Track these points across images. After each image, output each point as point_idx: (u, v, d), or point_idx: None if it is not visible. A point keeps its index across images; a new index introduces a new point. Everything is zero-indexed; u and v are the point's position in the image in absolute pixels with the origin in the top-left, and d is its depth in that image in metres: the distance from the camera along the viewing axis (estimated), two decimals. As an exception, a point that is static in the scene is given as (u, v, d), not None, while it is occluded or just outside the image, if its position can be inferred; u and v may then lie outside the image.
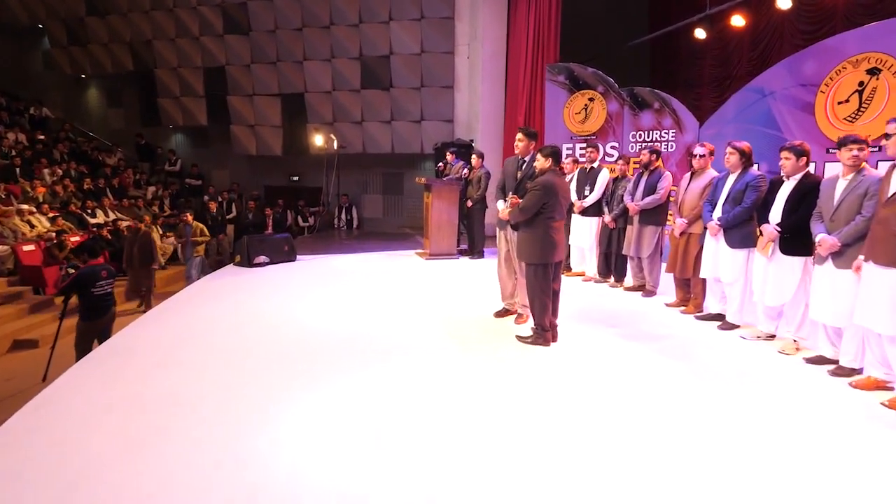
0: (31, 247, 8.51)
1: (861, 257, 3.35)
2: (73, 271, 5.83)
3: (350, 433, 2.81)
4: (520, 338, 4.25)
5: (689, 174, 5.17)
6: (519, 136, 4.58)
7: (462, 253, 8.05)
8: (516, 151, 4.61)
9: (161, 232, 10.57)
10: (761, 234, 4.17)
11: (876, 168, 3.88)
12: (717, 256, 4.55)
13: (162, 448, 2.66)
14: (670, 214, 5.52)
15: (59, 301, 6.28)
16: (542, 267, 4.13)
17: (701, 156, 5.00)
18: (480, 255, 7.90)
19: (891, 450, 2.71)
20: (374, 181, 13.43)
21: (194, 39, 13.10)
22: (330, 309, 5.18)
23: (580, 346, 4.17)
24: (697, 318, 4.88)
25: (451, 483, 2.40)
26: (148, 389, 3.33)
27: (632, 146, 7.72)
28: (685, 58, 10.53)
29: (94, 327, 5.48)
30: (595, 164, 6.32)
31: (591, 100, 8.14)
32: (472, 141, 10.64)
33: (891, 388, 3.31)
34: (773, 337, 4.28)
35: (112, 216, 10.93)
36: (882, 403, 3.16)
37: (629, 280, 6.00)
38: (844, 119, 5.48)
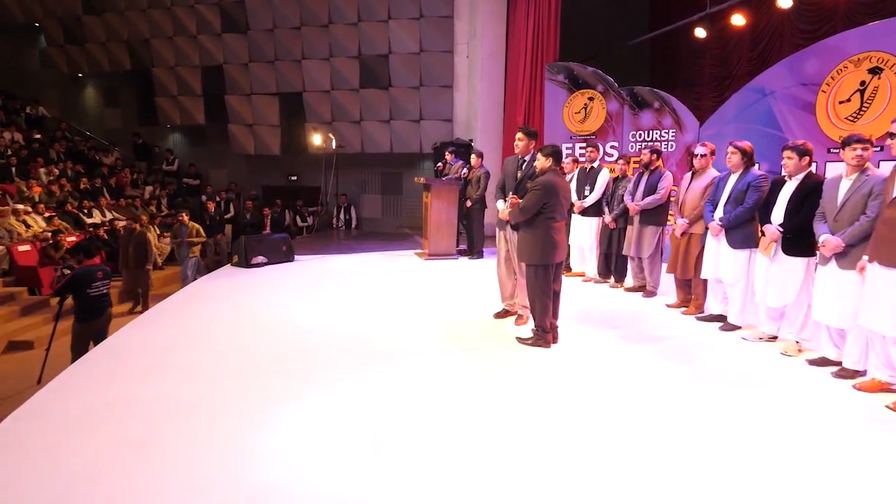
0: (27, 247, 8.44)
1: (865, 258, 3.32)
2: (68, 272, 5.79)
3: (348, 436, 2.78)
4: (520, 339, 4.22)
5: (689, 174, 5.13)
6: (519, 135, 4.54)
7: (461, 253, 8.02)
8: (516, 151, 4.58)
9: (158, 232, 10.51)
10: (763, 234, 4.13)
11: (878, 168, 3.85)
12: (719, 257, 4.52)
13: (158, 451, 2.63)
14: (671, 214, 5.49)
15: (55, 302, 6.23)
16: (542, 268, 4.10)
17: (702, 155, 4.96)
18: (480, 255, 7.86)
19: (895, 452, 2.69)
20: (372, 181, 13.39)
21: (192, 38, 13.05)
22: (328, 310, 5.14)
23: (581, 348, 4.14)
24: (698, 319, 4.85)
25: (450, 487, 2.37)
26: (144, 391, 3.30)
27: (632, 146, 7.69)
28: (685, 57, 10.50)
29: (90, 329, 5.44)
30: (595, 164, 6.28)
31: (590, 99, 8.10)
32: (471, 140, 10.60)
33: (895, 391, 3.27)
34: (775, 338, 4.25)
35: (109, 216, 10.87)
36: (886, 406, 3.13)
37: (629, 281, 5.97)
38: (846, 119, 5.45)
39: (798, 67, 5.95)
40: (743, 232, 4.37)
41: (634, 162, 6.74)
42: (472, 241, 7.97)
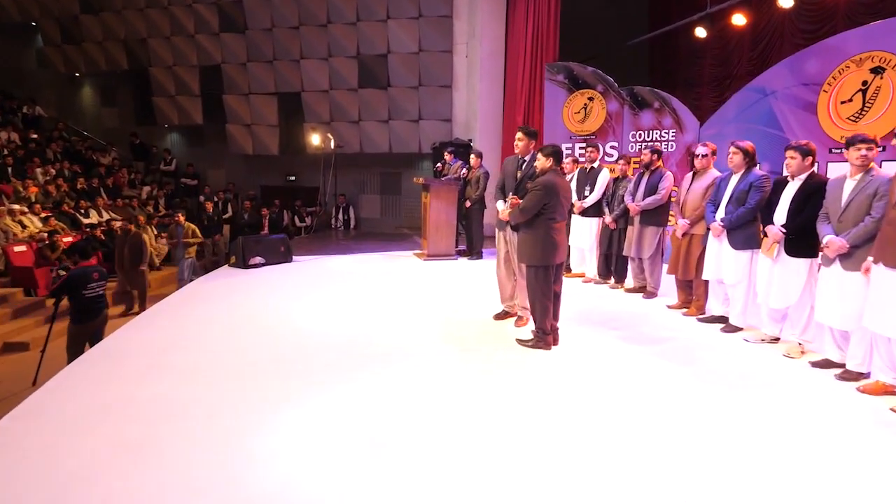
0: (23, 248, 8.38)
1: (870, 259, 3.28)
2: (64, 273, 5.74)
3: (347, 438, 2.74)
4: (520, 341, 4.18)
5: (691, 174, 5.10)
6: (519, 135, 4.50)
7: (460, 254, 7.98)
8: (516, 151, 4.54)
9: (156, 232, 10.45)
10: (765, 235, 4.10)
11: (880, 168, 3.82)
12: (721, 258, 4.48)
13: (155, 452, 2.61)
14: (672, 215, 5.46)
15: (51, 303, 6.18)
16: (542, 269, 4.06)
17: (703, 155, 4.93)
18: (479, 255, 7.83)
19: (902, 457, 2.65)
20: (371, 181, 13.35)
21: (190, 37, 12.99)
22: (326, 311, 5.10)
23: (581, 350, 4.10)
24: (700, 320, 4.82)
25: (450, 490, 2.33)
26: (141, 393, 3.27)
27: (632, 146, 7.66)
28: (685, 57, 10.48)
29: (86, 330, 5.39)
30: (595, 164, 6.25)
31: (590, 99, 8.07)
32: (470, 140, 10.56)
33: (900, 393, 3.25)
34: (777, 340, 4.22)
35: (106, 216, 10.81)
36: (891, 409, 3.10)
37: (630, 281, 5.94)
38: (848, 119, 5.43)
39: (799, 67, 5.92)
40: (745, 233, 4.34)
41: (635, 162, 6.71)
42: (471, 241, 7.93)
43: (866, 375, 3.46)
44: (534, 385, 3.46)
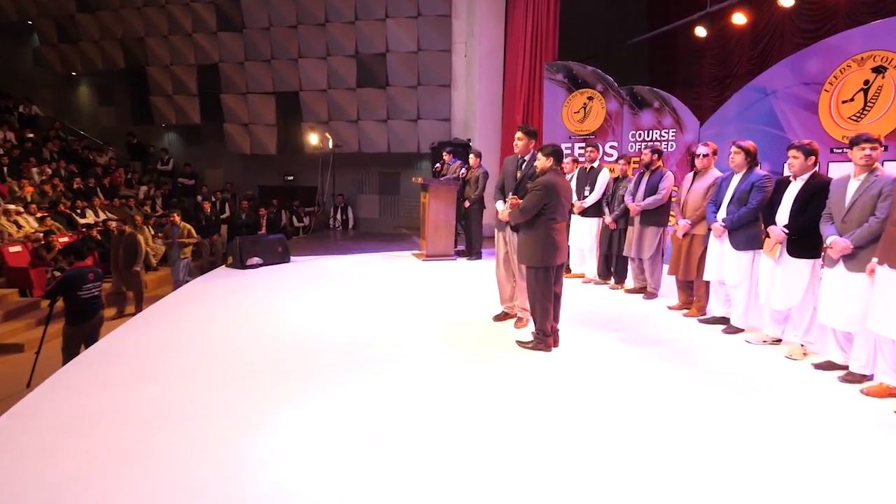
0: (18, 248, 8.31)
1: (874, 260, 3.25)
2: (59, 274, 5.68)
3: (346, 439, 2.71)
4: (520, 343, 4.14)
5: (691, 174, 5.06)
6: (518, 134, 4.46)
7: (459, 254, 7.94)
8: (515, 150, 4.50)
9: (153, 232, 10.39)
10: (768, 235, 4.06)
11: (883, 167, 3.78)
12: (722, 258, 4.45)
13: (151, 454, 2.59)
14: (672, 215, 5.42)
15: (46, 304, 6.13)
16: (542, 270, 4.02)
17: (704, 155, 4.89)
18: (478, 256, 7.79)
19: (908, 461, 2.62)
20: (370, 181, 13.30)
21: (187, 36, 12.93)
22: (324, 312, 5.06)
23: (582, 351, 4.07)
24: (701, 321, 4.78)
25: (449, 491, 2.30)
26: (137, 394, 3.24)
27: (631, 146, 7.62)
28: (684, 56, 10.45)
29: (81, 331, 5.35)
30: (595, 164, 6.21)
31: (590, 98, 8.03)
32: (469, 140, 10.52)
33: (904, 396, 3.21)
34: (779, 341, 4.18)
35: (102, 216, 10.74)
36: (895, 411, 3.07)
37: (630, 282, 5.90)
38: (849, 118, 5.40)
39: (800, 67, 5.89)
40: (747, 233, 4.31)
41: (635, 162, 6.68)
42: (470, 241, 7.89)
43: (870, 378, 3.43)
44: (534, 387, 3.42)
